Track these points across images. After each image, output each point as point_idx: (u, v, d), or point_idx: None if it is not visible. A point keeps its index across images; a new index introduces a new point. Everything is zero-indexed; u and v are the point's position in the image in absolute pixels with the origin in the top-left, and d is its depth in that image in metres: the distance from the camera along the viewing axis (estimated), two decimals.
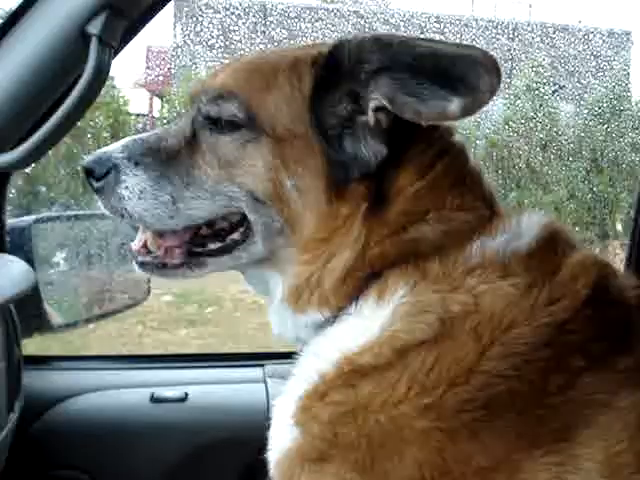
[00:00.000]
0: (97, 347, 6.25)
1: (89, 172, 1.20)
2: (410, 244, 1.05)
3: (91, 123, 9.72)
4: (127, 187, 1.15)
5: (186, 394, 1.90)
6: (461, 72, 0.98)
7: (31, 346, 2.33)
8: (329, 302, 1.08)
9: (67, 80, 1.49)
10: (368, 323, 1.04)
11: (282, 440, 1.08)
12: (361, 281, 1.07)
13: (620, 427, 0.96)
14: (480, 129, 11.24)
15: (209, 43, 13.39)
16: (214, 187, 1.14)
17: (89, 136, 9.67)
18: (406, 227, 1.06)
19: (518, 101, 11.08)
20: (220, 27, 13.59)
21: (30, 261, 1.77)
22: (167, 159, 1.17)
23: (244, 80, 1.14)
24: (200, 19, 13.75)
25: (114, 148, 1.21)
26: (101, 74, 1.45)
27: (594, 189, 11.11)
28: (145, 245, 1.21)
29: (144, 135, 1.24)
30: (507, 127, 11.03)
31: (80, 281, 2.24)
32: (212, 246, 1.18)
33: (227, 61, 1.17)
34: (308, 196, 1.08)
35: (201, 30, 13.72)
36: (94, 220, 2.24)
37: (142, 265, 1.21)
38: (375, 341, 1.02)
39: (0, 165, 1.51)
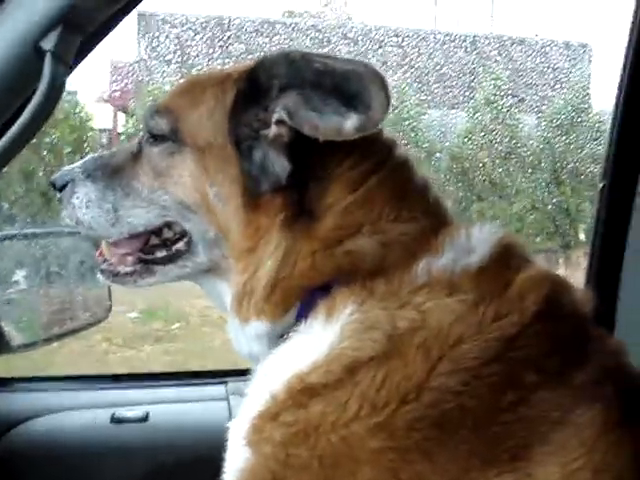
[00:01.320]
0: (62, 365, 6.17)
1: (54, 185, 1.30)
2: (346, 257, 1.06)
3: (51, 139, 9.62)
4: (78, 197, 1.26)
5: (147, 414, 1.88)
6: (355, 89, 1.00)
7: None
8: (264, 311, 1.09)
9: (21, 96, 1.47)
10: (317, 341, 1.04)
11: (236, 462, 1.07)
12: (296, 293, 1.08)
13: (576, 444, 0.95)
14: (441, 142, 11.34)
15: (166, 58, 13.34)
16: (149, 196, 1.21)
17: (46, 152, 9.57)
18: (341, 241, 1.06)
19: (478, 113, 11.19)
20: (177, 42, 13.57)
21: None
22: (113, 172, 1.26)
23: (178, 97, 1.22)
24: (156, 34, 13.71)
25: (75, 164, 1.30)
26: (55, 90, 1.43)
27: (555, 200, 11.24)
28: (102, 254, 1.29)
29: (103, 153, 1.34)
30: (468, 140, 11.13)
31: (40, 300, 2.21)
32: (159, 254, 1.24)
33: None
34: (230, 205, 1.12)
35: (158, 45, 13.67)
36: (52, 238, 2.21)
37: (101, 272, 1.30)
38: (324, 359, 1.02)
39: None
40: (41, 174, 9.10)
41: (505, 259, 1.09)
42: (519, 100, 11.86)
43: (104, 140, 13.06)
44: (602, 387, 1.00)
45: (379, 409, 0.96)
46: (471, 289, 1.03)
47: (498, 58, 13.10)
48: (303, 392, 1.02)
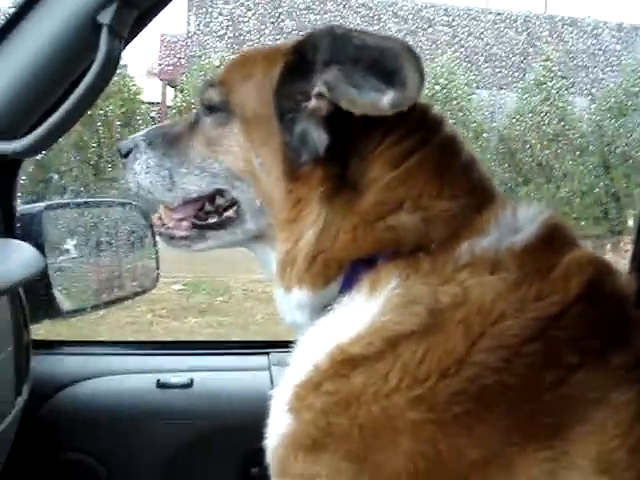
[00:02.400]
0: (107, 334, 6.30)
1: (120, 152, 1.38)
2: (388, 232, 1.08)
3: (102, 111, 9.73)
4: (139, 163, 1.34)
5: (191, 380, 1.92)
6: (392, 66, 1.01)
7: (41, 331, 2.36)
8: (305, 281, 1.12)
9: (78, 69, 1.51)
10: (360, 313, 1.06)
11: (278, 427, 1.10)
12: (337, 265, 1.10)
13: (614, 424, 0.96)
14: (489, 123, 11.21)
15: (218, 34, 13.37)
16: (201, 164, 1.27)
17: (100, 124, 9.69)
18: (382, 216, 1.08)
19: (527, 95, 11.04)
20: (229, 18, 13.57)
21: (40, 247, 1.80)
22: (171, 140, 1.33)
23: (230, 70, 1.27)
24: (210, 10, 13.73)
25: (139, 133, 1.39)
26: (111, 63, 1.47)
27: (604, 184, 11.06)
28: (160, 218, 1.37)
29: (166, 122, 1.44)
30: (517, 121, 10.99)
31: (89, 268, 2.26)
32: (211, 220, 1.30)
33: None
34: (272, 175, 1.16)
35: (211, 21, 13.70)
36: (104, 207, 2.27)
37: (159, 235, 1.38)
38: (366, 331, 1.04)
39: (11, 152, 1.54)
40: (92, 146, 9.23)
41: (551, 240, 1.10)
42: (570, 82, 11.64)
43: (153, 114, 13.17)
44: None
45: (419, 382, 0.98)
46: (514, 268, 1.04)
47: (549, 39, 12.85)
48: (345, 363, 1.04)
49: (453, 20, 12.89)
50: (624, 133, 10.91)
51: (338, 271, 1.11)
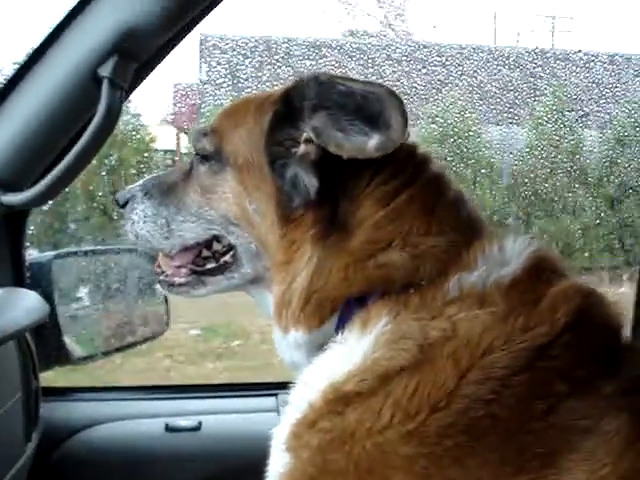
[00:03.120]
0: (125, 381, 6.30)
1: (117, 202, 1.42)
2: (379, 270, 1.10)
3: (114, 161, 9.84)
4: (137, 213, 1.37)
5: (200, 423, 1.94)
6: (376, 110, 1.06)
7: (58, 378, 2.39)
8: (301, 321, 1.14)
9: (81, 121, 1.56)
10: (352, 351, 1.08)
11: (277, 466, 1.12)
12: (330, 304, 1.13)
13: (604, 452, 0.97)
14: (503, 158, 11.24)
15: (217, 82, 13.58)
16: (197, 211, 1.31)
17: (108, 174, 9.81)
18: (373, 255, 1.11)
19: (539, 128, 11.08)
20: (227, 66, 13.81)
21: (50, 295, 1.84)
22: (167, 189, 1.37)
23: (222, 119, 1.31)
24: (208, 59, 13.97)
25: (136, 183, 1.42)
26: (113, 114, 1.52)
27: (619, 216, 11.03)
28: (159, 266, 1.39)
29: (161, 172, 1.47)
30: (531, 155, 11.02)
31: (100, 314, 2.30)
32: (209, 266, 1.33)
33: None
34: (267, 220, 1.20)
35: (209, 70, 13.93)
36: (111, 254, 2.31)
37: (159, 283, 1.41)
38: (358, 368, 1.06)
39: (18, 203, 1.59)
40: (103, 195, 9.33)
41: (538, 272, 1.11)
42: (582, 115, 11.68)
43: (169, 161, 13.30)
44: (631, 397, 1.01)
45: (411, 417, 0.99)
46: (502, 301, 1.06)
47: (542, 75, 12.92)
48: (339, 400, 1.06)
49: (446, 60, 13.01)
50: (635, 165, 10.90)
51: (332, 310, 1.13)
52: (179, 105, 15.34)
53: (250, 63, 13.70)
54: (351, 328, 1.10)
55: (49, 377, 2.03)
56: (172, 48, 1.74)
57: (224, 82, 13.48)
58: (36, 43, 1.56)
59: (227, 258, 1.30)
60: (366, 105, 1.07)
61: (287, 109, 1.17)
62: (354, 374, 1.06)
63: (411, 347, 1.04)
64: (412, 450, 0.98)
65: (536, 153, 11.07)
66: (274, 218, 1.18)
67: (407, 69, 12.77)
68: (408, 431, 0.99)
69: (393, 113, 1.05)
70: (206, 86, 13.53)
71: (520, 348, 1.01)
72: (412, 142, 1.22)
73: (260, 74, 13.49)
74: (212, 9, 1.65)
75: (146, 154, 10.77)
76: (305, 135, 1.13)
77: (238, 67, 13.47)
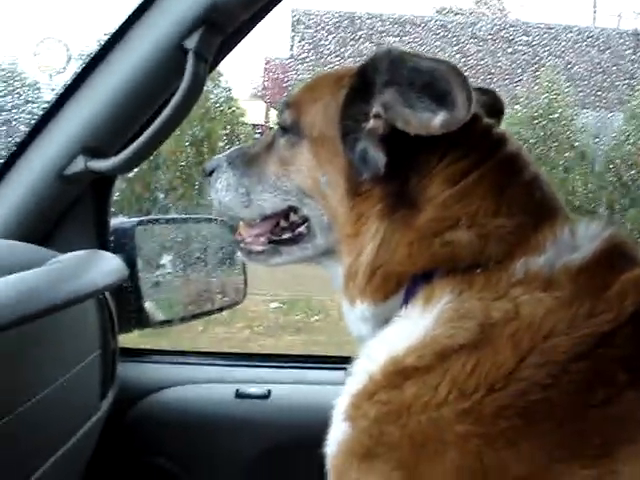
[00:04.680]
0: (205, 348, 6.45)
1: (204, 171, 1.48)
2: (444, 248, 1.11)
3: (196, 132, 10.00)
4: (220, 182, 1.43)
5: (269, 392, 1.98)
6: (443, 88, 1.06)
7: (144, 342, 2.48)
8: (366, 294, 1.17)
9: (166, 91, 1.60)
10: (414, 326, 1.09)
11: (336, 435, 1.15)
12: (396, 279, 1.14)
13: None
14: (595, 144, 10.91)
15: (300, 57, 13.62)
16: (275, 182, 1.34)
17: (205, 145, 9.98)
18: (439, 232, 1.11)
19: (636, 117, 10.70)
20: (311, 41, 13.81)
21: (131, 260, 1.90)
22: (250, 160, 1.41)
23: (302, 93, 1.35)
24: (291, 34, 14.02)
25: (222, 154, 1.48)
26: (197, 86, 1.56)
27: None
28: (240, 234, 1.45)
29: (246, 144, 1.46)
30: (625, 142, 10.66)
31: (180, 282, 2.36)
32: (285, 236, 1.36)
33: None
34: (337, 193, 1.22)
35: (292, 44, 13.98)
36: (192, 224, 2.37)
37: (239, 250, 1.46)
38: (418, 344, 1.07)
39: (104, 170, 1.65)
40: (187, 165, 9.51)
41: (610, 259, 1.09)
42: None
43: (257, 135, 13.47)
44: None
45: (467, 395, 1.00)
46: (568, 286, 1.04)
47: (634, 57, 12.40)
48: (397, 374, 1.07)
49: (533, 40, 12.62)
50: None
51: (397, 285, 1.14)
52: (269, 80, 15.48)
53: (334, 39, 13.71)
54: (414, 304, 1.12)
55: (132, 339, 2.11)
56: (258, 22, 1.77)
57: (308, 57, 13.53)
58: (124, 16, 1.62)
59: (302, 229, 1.33)
60: (433, 82, 1.07)
61: (361, 84, 1.18)
62: (414, 349, 1.07)
63: (472, 326, 1.04)
64: (466, 428, 0.99)
65: (631, 140, 10.69)
66: (344, 191, 1.20)
67: (492, 48, 12.50)
68: (464, 409, 1.00)
69: (458, 92, 1.05)
70: (294, 61, 13.61)
71: (583, 334, 1.00)
72: (488, 122, 1.21)
73: (343, 50, 13.48)
74: None
75: (235, 128, 10.92)
76: (374, 110, 1.14)
77: (322, 42, 13.49)
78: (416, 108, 1.08)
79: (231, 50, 1.79)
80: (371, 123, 1.15)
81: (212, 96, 10.52)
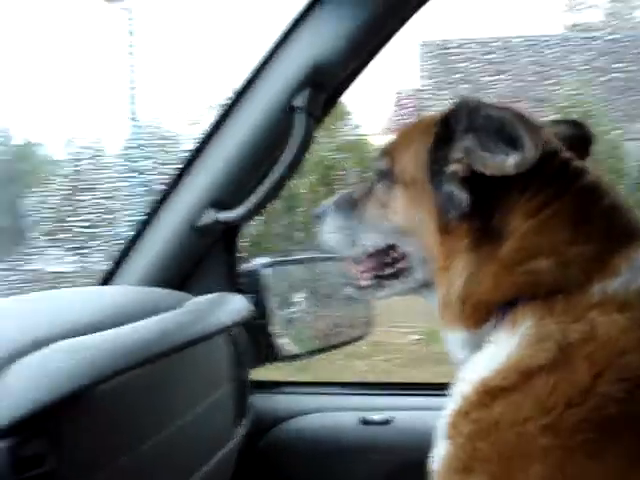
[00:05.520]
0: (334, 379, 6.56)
1: (315, 216, 1.63)
2: (527, 277, 1.20)
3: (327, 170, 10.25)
4: (327, 224, 1.58)
5: (392, 418, 2.09)
6: (513, 132, 1.17)
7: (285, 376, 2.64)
8: (459, 322, 1.29)
9: (279, 146, 1.78)
10: (501, 350, 1.20)
11: (438, 452, 1.26)
12: (484, 307, 1.25)
13: None
14: None
15: (435, 88, 13.62)
16: (375, 224, 1.48)
17: (336, 182, 10.23)
18: (522, 262, 1.21)
19: None
20: (463, 70, 13.79)
21: (260, 299, 2.08)
22: (353, 204, 1.56)
23: (395, 142, 1.48)
24: (441, 63, 14.05)
25: (330, 199, 1.62)
26: (306, 141, 1.74)
27: None
28: (349, 271, 1.61)
29: (350, 189, 1.64)
30: None
31: (310, 318, 2.51)
32: (387, 272, 1.50)
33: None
34: (429, 231, 1.34)
35: (427, 74, 14.02)
36: (319, 262, 2.52)
37: (348, 286, 1.61)
38: (504, 366, 1.17)
39: (231, 220, 1.85)
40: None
41: None
42: None
43: None
44: None
45: (548, 411, 1.08)
46: None
47: None
48: (487, 394, 1.18)
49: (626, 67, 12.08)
50: None
51: (486, 313, 1.25)
52: (400, 113, 15.62)
53: (463, 68, 13.70)
54: (501, 329, 1.22)
55: (275, 373, 2.29)
56: (359, 73, 1.92)
57: (442, 87, 13.57)
58: (241, 82, 1.82)
59: (402, 264, 1.46)
60: (504, 128, 1.19)
61: (444, 132, 1.31)
62: (500, 371, 1.17)
63: (552, 347, 1.13)
64: (548, 442, 1.07)
65: None
66: (434, 229, 1.32)
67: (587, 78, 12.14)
68: (545, 424, 1.08)
69: (526, 136, 1.16)
70: (425, 92, 13.67)
71: None
72: (566, 155, 1.30)
73: (472, 78, 13.44)
74: (391, 37, 1.81)
75: (367, 164, 11.12)
76: (457, 155, 1.26)
77: (456, 71, 13.49)
78: (492, 151, 1.20)
79: (335, 104, 1.95)
80: (454, 166, 1.27)
81: (342, 134, 10.78)
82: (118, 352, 1.21)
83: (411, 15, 1.75)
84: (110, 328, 1.33)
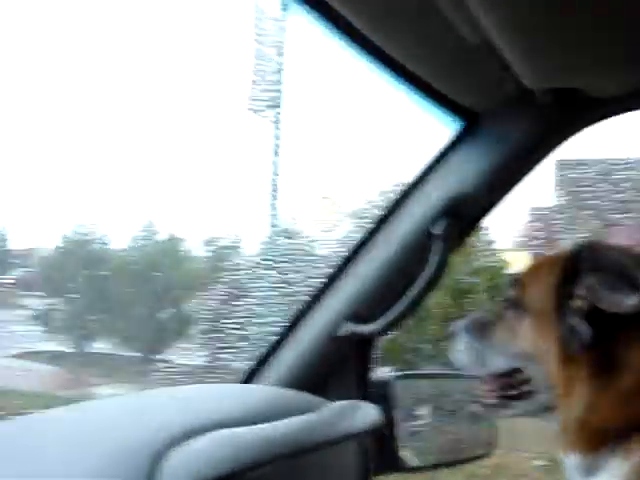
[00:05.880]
0: None
1: (450, 335, 1.75)
2: None
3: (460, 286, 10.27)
4: (459, 344, 1.71)
5: None
6: (632, 275, 1.30)
7: None
8: (576, 447, 1.38)
9: (417, 268, 1.93)
10: (613, 477, 1.29)
11: None
12: (601, 434, 1.34)
13: None
14: None
15: (570, 207, 13.50)
16: (503, 348, 1.61)
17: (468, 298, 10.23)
18: (637, 395, 1.31)
19: None
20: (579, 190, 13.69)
21: (389, 410, 2.18)
22: (482, 327, 1.69)
23: (527, 271, 1.63)
24: (575, 182, 13.98)
25: (462, 320, 1.76)
26: (441, 265, 1.88)
27: None
28: (478, 389, 1.73)
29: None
30: None
31: (435, 431, 2.58)
32: (513, 392, 1.61)
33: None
34: (552, 359, 1.45)
35: (562, 194, 13.92)
36: (445, 378, 2.61)
37: (476, 402, 1.79)
38: None
39: (366, 333, 2.00)
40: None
41: None
42: None
43: None
44: None
45: None
46: None
47: None
48: None
49: None
50: None
51: (602, 440, 1.35)
52: (533, 229, 15.51)
53: (598, 188, 13.56)
54: (615, 457, 1.31)
55: None
56: (497, 204, 2.06)
57: (577, 207, 13.44)
58: (383, 209, 2.01)
59: (526, 387, 1.57)
60: (623, 271, 1.32)
61: (571, 269, 1.44)
62: None
63: None
64: None
65: None
66: (557, 358, 1.44)
67: None
68: None
69: None
70: (558, 211, 13.58)
71: None
72: None
73: (606, 198, 13.26)
74: (531, 171, 1.94)
75: (498, 280, 11.07)
76: (580, 292, 1.39)
77: (586, 192, 13.36)
78: (613, 291, 1.33)
79: (471, 234, 2.09)
80: (578, 302, 1.40)
81: (476, 249, 10.83)
82: (264, 445, 1.37)
83: (554, 149, 1.87)
84: (252, 424, 1.48)
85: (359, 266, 2.01)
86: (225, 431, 1.39)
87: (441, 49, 1.59)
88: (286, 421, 1.55)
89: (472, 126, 1.87)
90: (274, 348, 2.12)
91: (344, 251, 2.09)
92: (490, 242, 11.44)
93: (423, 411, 2.51)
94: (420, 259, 1.89)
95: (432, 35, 1.52)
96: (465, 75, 1.73)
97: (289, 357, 2.09)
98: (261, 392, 1.97)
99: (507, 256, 12.18)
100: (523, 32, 1.35)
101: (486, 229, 11.22)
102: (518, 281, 1.62)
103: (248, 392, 1.95)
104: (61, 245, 17.00)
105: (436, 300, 9.60)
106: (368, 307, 2.01)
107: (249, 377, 2.15)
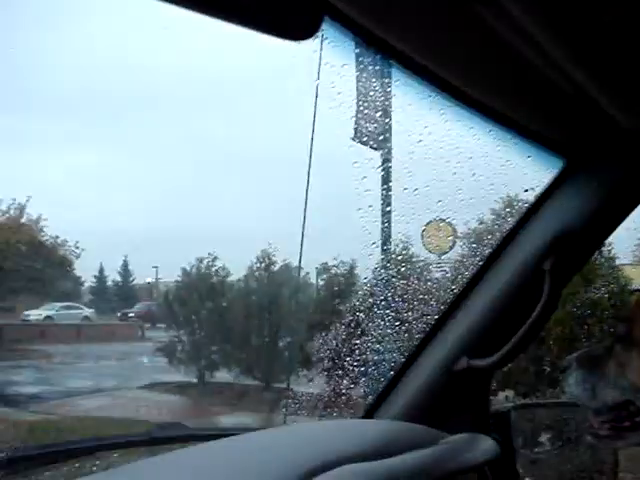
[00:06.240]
0: None
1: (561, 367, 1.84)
2: None
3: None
4: (571, 377, 1.80)
5: None
6: None
7: None
8: None
9: (530, 303, 1.99)
10: None
11: None
12: None
13: None
14: None
15: None
16: (614, 380, 1.68)
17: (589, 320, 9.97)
18: None
19: None
20: None
21: (508, 440, 2.24)
22: (594, 360, 1.77)
23: (634, 310, 1.71)
24: None
25: (574, 355, 1.82)
26: (552, 300, 1.94)
27: None
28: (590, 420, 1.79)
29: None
30: None
31: (555, 460, 2.61)
32: (625, 424, 1.68)
33: None
34: None
35: None
36: (561, 407, 2.63)
37: (589, 434, 1.81)
38: None
39: (483, 367, 2.08)
40: (577, 342, 9.54)
41: None
42: None
43: None
44: None
45: None
46: None
47: None
48: None
49: None
50: None
51: None
52: None
53: None
54: None
55: None
56: (605, 239, 2.10)
57: None
58: (495, 243, 2.09)
59: (638, 419, 1.63)
60: None
61: None
62: None
63: None
64: None
65: None
66: None
67: None
68: None
69: None
70: None
71: None
72: None
73: None
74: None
75: (621, 297, 10.72)
76: None
77: None
78: None
79: (584, 264, 2.14)
80: None
81: (594, 267, 10.55)
82: (389, 479, 1.47)
83: None
84: (376, 458, 1.58)
85: (472, 301, 2.09)
86: (352, 466, 1.50)
87: (540, 97, 1.67)
88: (408, 455, 1.64)
89: (574, 166, 1.93)
90: (393, 383, 2.22)
91: (458, 273, 2.18)
92: (610, 258, 11.08)
93: (543, 439, 2.55)
94: (532, 293, 1.96)
95: (530, 86, 1.61)
96: (564, 119, 1.80)
97: (408, 392, 2.19)
98: (383, 426, 2.07)
99: (629, 272, 11.79)
100: (613, 81, 1.42)
101: (609, 245, 10.90)
102: (627, 317, 1.67)
103: (371, 427, 2.05)
104: (180, 279, 17.60)
105: (555, 319, 9.41)
106: (483, 341, 2.08)
107: (370, 411, 2.26)
